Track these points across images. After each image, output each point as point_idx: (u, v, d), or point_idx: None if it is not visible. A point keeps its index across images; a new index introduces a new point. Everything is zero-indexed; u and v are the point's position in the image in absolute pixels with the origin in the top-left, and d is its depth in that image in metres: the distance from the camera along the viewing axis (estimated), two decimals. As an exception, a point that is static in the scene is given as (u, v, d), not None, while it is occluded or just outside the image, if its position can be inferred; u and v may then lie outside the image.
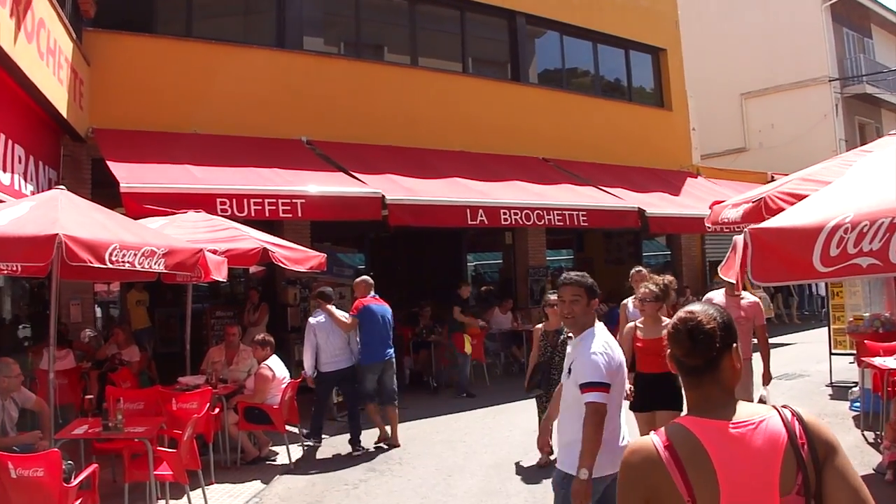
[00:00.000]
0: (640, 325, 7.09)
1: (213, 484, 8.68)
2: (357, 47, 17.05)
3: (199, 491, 7.89)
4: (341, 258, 17.09)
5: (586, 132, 19.95)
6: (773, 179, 23.87)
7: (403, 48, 17.81)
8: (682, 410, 3.72)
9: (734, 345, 2.45)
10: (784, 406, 2.38)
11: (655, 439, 2.32)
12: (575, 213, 15.16)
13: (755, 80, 31.27)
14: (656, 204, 17.51)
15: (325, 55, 16.20)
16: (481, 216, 13.71)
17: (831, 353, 13.45)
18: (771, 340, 19.17)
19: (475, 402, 13.37)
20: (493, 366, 16.41)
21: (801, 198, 6.62)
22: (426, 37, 18.33)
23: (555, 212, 14.85)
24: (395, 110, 16.41)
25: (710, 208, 9.51)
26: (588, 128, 20.01)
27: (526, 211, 14.40)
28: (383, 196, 12.70)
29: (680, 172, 22.03)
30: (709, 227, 9.43)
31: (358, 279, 11.19)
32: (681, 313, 2.47)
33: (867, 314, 11.54)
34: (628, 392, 6.48)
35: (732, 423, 2.29)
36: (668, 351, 2.49)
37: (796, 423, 2.30)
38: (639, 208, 16.46)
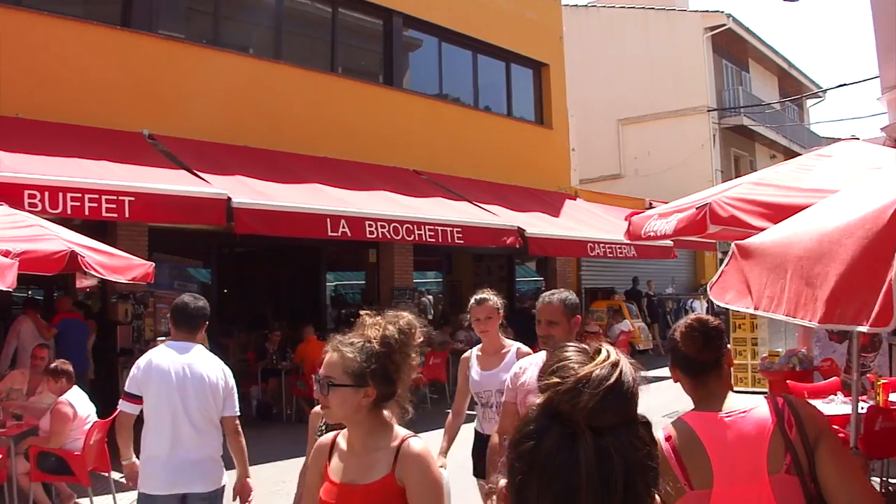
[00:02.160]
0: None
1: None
2: (216, 37, 15.13)
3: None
4: (190, 272, 15.19)
5: (463, 145, 18.57)
6: (651, 206, 23.28)
7: (268, 42, 15.98)
8: None
9: (728, 345, 2.85)
10: (778, 395, 2.64)
11: (660, 434, 2.47)
12: (449, 229, 13.61)
13: (633, 107, 30.85)
14: (536, 224, 16.18)
15: (177, 40, 13.98)
16: (344, 227, 11.95)
17: (732, 391, 12.22)
18: (651, 373, 18.52)
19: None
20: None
21: (757, 203, 5.28)
22: (294, 32, 16.60)
23: (426, 226, 13.24)
24: (255, 108, 14.58)
25: (626, 220, 7.95)
26: (465, 141, 18.64)
27: (394, 224, 12.72)
28: (229, 198, 10.79)
29: (558, 193, 20.91)
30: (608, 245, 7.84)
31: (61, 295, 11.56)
32: (689, 318, 2.77)
33: (781, 350, 10.38)
34: None
35: (725, 413, 2.58)
36: (678, 354, 2.76)
37: (786, 408, 2.50)
38: (518, 227, 15.07)
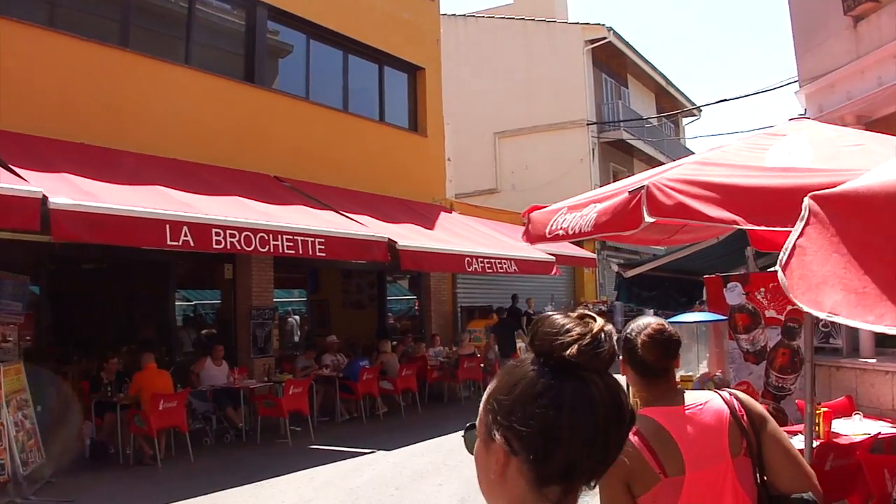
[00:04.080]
0: None
1: None
2: (53, 19, 13.12)
3: None
4: (30, 289, 13.19)
5: (330, 151, 17.08)
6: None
7: (114, 28, 13.96)
8: None
9: None
10: (722, 389, 2.95)
11: None
12: (310, 239, 11.90)
13: (511, 120, 30.15)
14: (408, 236, 14.70)
15: (2, 17, 11.84)
16: (186, 235, 10.08)
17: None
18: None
19: (176, 491, 9.98)
20: (201, 433, 12.95)
21: (711, 186, 3.91)
22: (146, 20, 14.72)
23: (284, 236, 11.47)
24: (95, 101, 12.74)
25: (523, 217, 6.34)
26: (332, 146, 17.15)
27: (246, 233, 10.92)
28: (45, 197, 8.88)
29: (433, 205, 19.58)
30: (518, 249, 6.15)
31: None
32: (655, 325, 2.88)
33: (692, 373, 9.19)
34: None
35: (685, 406, 2.75)
36: (635, 357, 2.86)
37: (734, 400, 2.79)
38: (389, 239, 13.54)
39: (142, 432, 11.49)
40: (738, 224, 3.73)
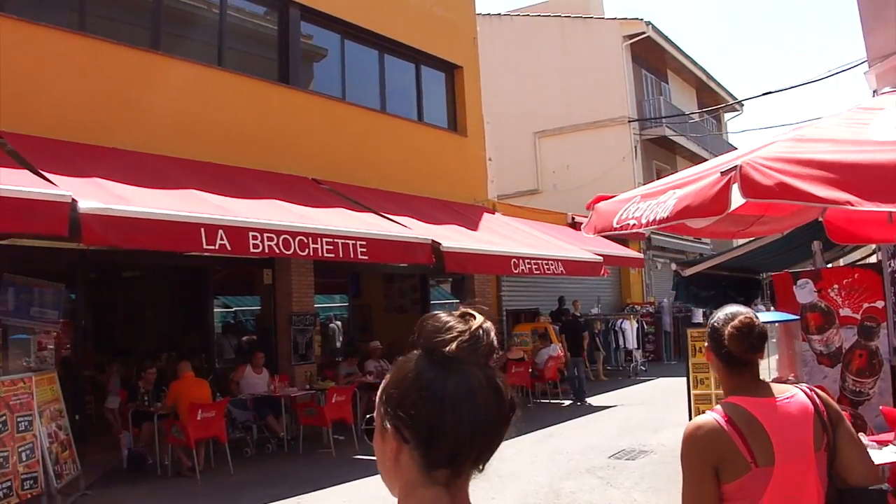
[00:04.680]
0: None
1: None
2: (83, 22, 12.80)
3: None
4: (56, 297, 12.89)
5: (368, 152, 16.66)
6: (574, 220, 21.74)
7: (145, 31, 13.69)
8: None
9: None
10: (802, 384, 3.05)
11: (716, 416, 2.75)
12: (351, 242, 11.45)
13: (550, 119, 29.63)
14: (452, 237, 14.24)
15: (29, 22, 11.55)
16: (222, 239, 9.66)
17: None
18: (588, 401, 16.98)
19: None
20: (241, 443, 12.57)
21: (817, 164, 3.39)
22: (177, 22, 14.48)
23: (324, 239, 11.01)
24: (126, 105, 12.44)
25: (588, 208, 5.77)
26: (371, 147, 16.74)
27: (285, 236, 10.46)
28: (74, 201, 8.46)
29: (475, 206, 19.09)
30: (588, 235, 5.58)
31: None
32: (743, 318, 2.86)
33: (763, 377, 8.59)
34: None
35: (774, 398, 2.79)
36: (721, 347, 2.87)
37: (815, 395, 2.84)
38: (432, 241, 13.08)
39: (180, 443, 11.16)
40: (851, 205, 3.24)
